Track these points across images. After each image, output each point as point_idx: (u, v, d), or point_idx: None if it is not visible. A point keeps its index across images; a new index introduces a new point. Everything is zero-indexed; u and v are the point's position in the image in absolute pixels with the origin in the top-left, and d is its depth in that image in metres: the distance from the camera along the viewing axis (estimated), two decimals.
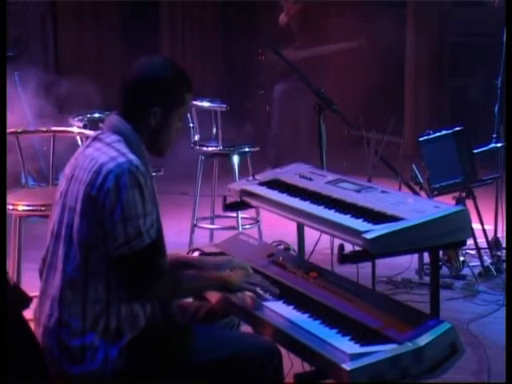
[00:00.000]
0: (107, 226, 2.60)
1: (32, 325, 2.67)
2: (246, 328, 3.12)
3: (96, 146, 2.74)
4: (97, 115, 5.84)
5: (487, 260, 5.42)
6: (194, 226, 5.81)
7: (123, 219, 2.59)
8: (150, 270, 2.65)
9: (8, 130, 4.20)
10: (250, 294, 2.91)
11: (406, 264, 5.34)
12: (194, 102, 5.67)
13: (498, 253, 5.46)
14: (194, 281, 2.87)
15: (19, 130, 4.60)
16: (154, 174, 3.05)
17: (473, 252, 5.51)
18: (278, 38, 7.66)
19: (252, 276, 2.93)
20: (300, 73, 4.74)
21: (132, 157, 2.66)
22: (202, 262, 3.08)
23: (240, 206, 3.59)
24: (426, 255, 4.96)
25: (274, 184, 3.44)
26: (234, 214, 5.51)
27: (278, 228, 5.81)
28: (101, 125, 2.87)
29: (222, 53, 9.87)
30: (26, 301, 2.79)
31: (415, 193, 5.02)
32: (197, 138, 5.76)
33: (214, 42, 9.88)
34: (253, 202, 3.48)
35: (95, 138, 2.79)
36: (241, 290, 2.89)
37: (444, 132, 5.48)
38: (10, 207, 4.07)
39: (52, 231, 2.76)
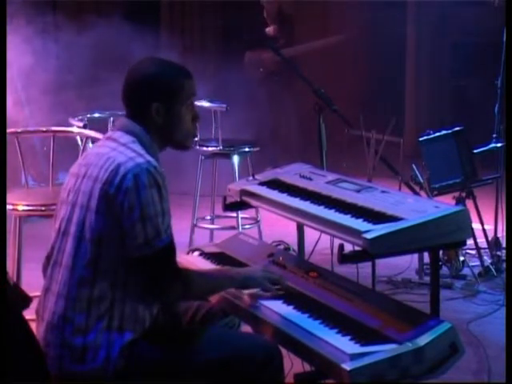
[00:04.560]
0: (125, 225, 2.60)
1: (32, 325, 2.67)
2: (246, 328, 3.12)
3: (111, 146, 2.74)
4: (97, 115, 5.85)
5: (487, 260, 5.43)
6: (194, 225, 5.81)
7: (142, 219, 2.59)
8: (169, 269, 2.66)
9: (8, 130, 4.20)
10: (251, 290, 2.93)
11: (406, 264, 5.34)
12: (194, 102, 5.67)
13: (498, 253, 5.46)
14: (211, 279, 2.88)
15: (19, 130, 4.60)
16: None
17: (473, 252, 5.52)
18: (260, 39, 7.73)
19: (271, 272, 2.98)
20: (299, 72, 4.74)
21: (149, 158, 2.67)
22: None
23: (240, 206, 3.59)
24: (426, 255, 4.96)
25: (273, 184, 3.44)
26: (234, 214, 5.52)
27: (277, 228, 5.81)
28: (111, 127, 2.88)
29: (222, 52, 9.87)
30: (26, 301, 2.78)
31: (415, 193, 5.02)
32: (197, 138, 5.76)
33: (214, 41, 9.89)
34: (253, 202, 3.48)
35: (108, 138, 2.79)
36: (260, 286, 2.91)
37: (444, 132, 5.48)
38: (10, 207, 4.07)
39: (58, 229, 2.76)
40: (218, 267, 3.19)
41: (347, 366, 2.41)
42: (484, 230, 5.47)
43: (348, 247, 2.77)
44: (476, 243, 5.34)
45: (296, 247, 3.92)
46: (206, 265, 3.29)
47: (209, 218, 6.02)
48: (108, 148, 2.74)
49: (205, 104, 5.71)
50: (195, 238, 5.80)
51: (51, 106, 6.43)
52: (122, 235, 2.62)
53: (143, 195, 2.60)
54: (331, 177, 3.37)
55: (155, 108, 2.76)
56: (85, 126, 4.62)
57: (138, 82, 2.78)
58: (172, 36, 9.26)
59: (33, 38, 6.18)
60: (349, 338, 2.58)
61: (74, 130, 4.64)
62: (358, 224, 2.81)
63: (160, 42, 9.30)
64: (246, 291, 2.94)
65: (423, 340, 2.50)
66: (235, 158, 5.66)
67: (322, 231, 3.08)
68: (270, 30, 8.03)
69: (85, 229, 2.67)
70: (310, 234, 3.74)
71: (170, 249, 2.65)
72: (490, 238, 5.50)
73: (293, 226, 3.80)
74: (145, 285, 2.66)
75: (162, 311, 2.81)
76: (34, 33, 6.21)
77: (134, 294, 2.66)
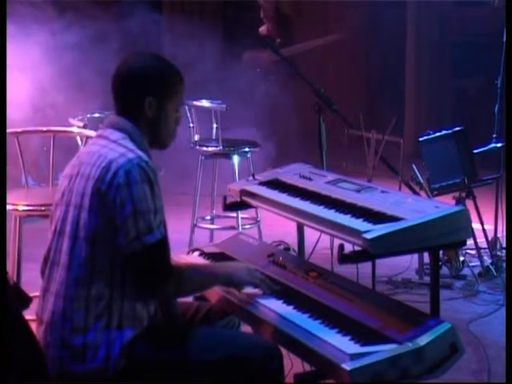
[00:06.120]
0: (118, 220, 2.60)
1: (32, 325, 2.67)
2: (246, 328, 3.12)
3: (101, 144, 2.74)
4: (97, 115, 5.84)
5: (487, 260, 5.43)
6: (194, 225, 5.81)
7: (134, 214, 2.59)
8: (161, 266, 2.66)
9: (8, 130, 4.20)
10: (251, 290, 2.92)
11: (406, 264, 5.35)
12: (194, 102, 5.68)
13: (498, 253, 5.46)
14: (201, 276, 2.88)
15: (19, 130, 4.60)
16: None
17: (473, 252, 5.52)
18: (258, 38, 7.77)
19: (255, 270, 2.97)
20: (299, 72, 4.73)
21: (141, 153, 2.67)
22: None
23: (240, 206, 3.59)
24: (426, 255, 4.96)
25: (273, 184, 3.44)
26: (234, 214, 5.52)
27: (277, 228, 5.81)
28: (100, 125, 2.87)
29: (222, 52, 9.88)
30: (25, 301, 2.79)
31: (415, 193, 5.02)
32: (197, 137, 5.77)
33: (215, 40, 9.89)
34: (253, 202, 3.48)
35: (99, 136, 2.79)
36: (246, 284, 2.91)
37: (444, 132, 5.49)
38: (10, 207, 4.07)
39: (54, 230, 2.76)
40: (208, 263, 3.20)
41: (347, 366, 2.41)
42: (484, 230, 5.47)
43: (348, 247, 2.77)
44: (476, 243, 5.34)
45: (296, 247, 3.91)
46: None
47: (209, 218, 6.02)
48: (99, 146, 2.74)
49: (205, 104, 5.71)
50: (195, 237, 5.81)
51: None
52: (115, 232, 2.62)
53: (135, 190, 2.60)
54: (331, 177, 3.37)
55: (148, 102, 2.75)
56: (85, 126, 4.62)
57: (135, 74, 2.77)
58: (173, 35, 9.29)
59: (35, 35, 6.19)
60: (349, 337, 2.58)
61: (74, 130, 4.64)
62: (358, 224, 2.81)
63: (162, 42, 9.32)
64: (244, 291, 2.94)
65: (423, 340, 2.50)
66: (235, 158, 5.66)
67: (321, 231, 3.08)
68: (263, 29, 8.04)
69: (79, 228, 2.67)
70: (310, 234, 3.74)
71: (161, 245, 2.65)
72: (490, 238, 5.50)
73: (293, 226, 3.80)
74: (137, 281, 2.66)
75: (161, 311, 2.81)
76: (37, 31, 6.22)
77: (131, 292, 2.66)
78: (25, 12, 6.05)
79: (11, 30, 5.20)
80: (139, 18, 7.13)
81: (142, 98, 2.75)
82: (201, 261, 3.35)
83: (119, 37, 6.49)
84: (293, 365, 3.18)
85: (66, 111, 5.95)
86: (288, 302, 2.87)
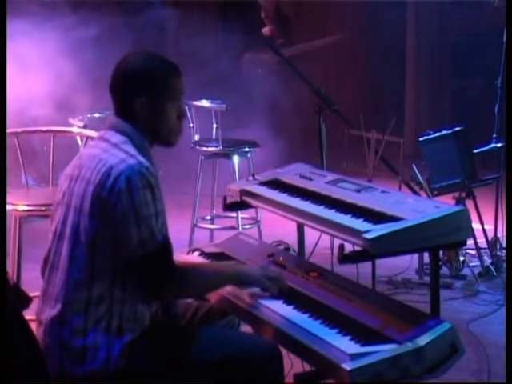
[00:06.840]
0: (119, 227, 2.60)
1: (32, 325, 2.67)
2: (246, 328, 3.12)
3: (103, 147, 2.73)
4: (97, 115, 5.85)
5: (487, 260, 5.43)
6: (194, 225, 5.81)
7: (136, 220, 2.59)
8: (165, 269, 2.66)
9: (8, 130, 4.20)
10: (251, 290, 2.91)
11: (406, 264, 5.34)
12: (194, 102, 5.68)
13: (498, 253, 5.46)
14: (207, 276, 2.86)
15: (19, 130, 4.60)
16: None
17: (473, 252, 5.52)
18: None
19: (269, 270, 2.96)
20: (300, 72, 4.73)
21: (141, 158, 2.66)
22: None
23: (240, 206, 3.59)
24: (426, 255, 4.96)
25: (274, 184, 3.44)
26: (234, 214, 5.52)
27: (277, 228, 5.81)
28: (102, 126, 2.86)
29: (222, 52, 9.88)
30: (25, 301, 2.79)
31: (415, 193, 5.02)
32: (197, 138, 5.77)
33: (215, 41, 9.90)
34: (253, 202, 3.48)
35: (100, 138, 2.78)
36: (254, 284, 2.89)
37: (444, 132, 5.49)
38: (10, 207, 4.07)
39: (54, 231, 2.75)
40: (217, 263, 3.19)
41: (347, 366, 2.41)
42: (484, 230, 5.47)
43: (348, 247, 2.77)
44: (476, 243, 5.34)
45: (296, 247, 3.91)
46: None
47: (209, 218, 6.02)
48: (100, 149, 2.73)
49: (205, 104, 5.71)
50: (195, 237, 5.80)
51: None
52: (116, 237, 2.62)
53: (136, 197, 2.59)
54: (331, 177, 3.37)
55: (139, 102, 2.73)
56: (85, 126, 4.62)
57: (124, 76, 2.76)
58: (176, 36, 9.29)
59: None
60: (349, 337, 2.58)
61: (74, 130, 4.64)
62: (359, 224, 2.81)
63: (166, 42, 9.32)
64: (246, 291, 2.94)
65: (423, 340, 2.50)
66: (235, 158, 5.66)
67: (322, 231, 3.08)
68: (266, 30, 8.06)
69: (79, 232, 2.67)
70: (310, 234, 3.74)
71: (165, 249, 2.65)
72: (490, 238, 5.50)
73: (293, 226, 3.80)
74: (141, 285, 2.66)
75: (162, 311, 2.81)
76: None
77: (132, 294, 2.66)
78: (38, 11, 6.06)
79: (24, 28, 5.22)
80: (145, 16, 7.14)
81: (132, 99, 2.73)
82: (201, 261, 3.35)
83: (128, 34, 6.49)
84: (293, 365, 3.18)
85: (80, 110, 5.97)
86: (288, 302, 2.87)
